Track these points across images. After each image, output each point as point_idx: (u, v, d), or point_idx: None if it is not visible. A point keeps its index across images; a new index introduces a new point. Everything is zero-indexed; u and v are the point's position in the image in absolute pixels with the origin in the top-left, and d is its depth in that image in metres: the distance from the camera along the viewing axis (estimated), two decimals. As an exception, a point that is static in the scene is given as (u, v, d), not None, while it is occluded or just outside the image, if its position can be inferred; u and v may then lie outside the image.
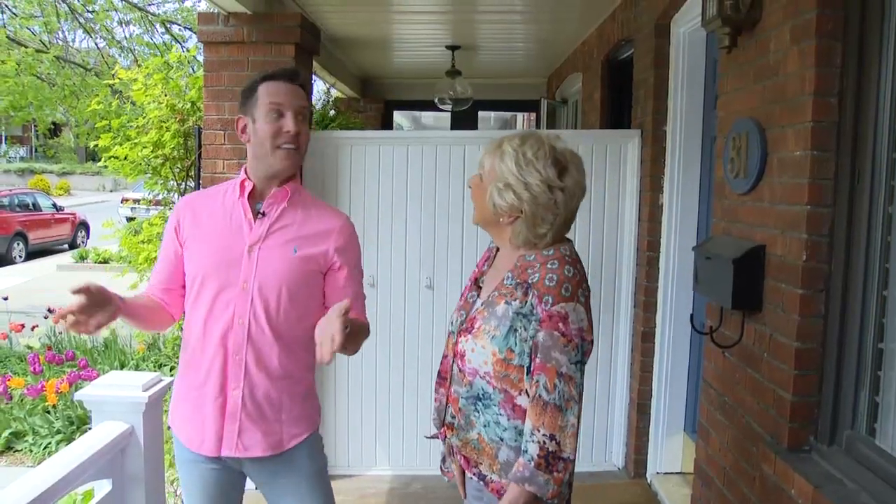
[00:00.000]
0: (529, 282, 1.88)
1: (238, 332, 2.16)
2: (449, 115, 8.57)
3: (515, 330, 1.87)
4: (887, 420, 2.07)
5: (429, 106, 7.86)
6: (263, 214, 2.21)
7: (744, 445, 2.57)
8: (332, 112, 5.43)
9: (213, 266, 2.17)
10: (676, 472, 4.08)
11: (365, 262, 4.11)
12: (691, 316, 2.93)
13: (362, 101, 8.46)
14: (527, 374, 1.87)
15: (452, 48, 6.38)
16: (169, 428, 2.33)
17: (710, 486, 2.89)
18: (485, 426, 1.95)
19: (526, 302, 1.86)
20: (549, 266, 1.88)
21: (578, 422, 1.86)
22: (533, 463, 1.81)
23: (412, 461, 4.39)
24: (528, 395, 1.86)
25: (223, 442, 2.19)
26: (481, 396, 1.94)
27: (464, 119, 8.52)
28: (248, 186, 2.21)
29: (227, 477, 2.31)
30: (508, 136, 1.97)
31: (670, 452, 4.09)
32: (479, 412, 1.95)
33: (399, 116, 10.81)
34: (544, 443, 1.81)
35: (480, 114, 9.66)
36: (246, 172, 2.24)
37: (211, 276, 2.17)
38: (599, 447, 4.37)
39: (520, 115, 12.91)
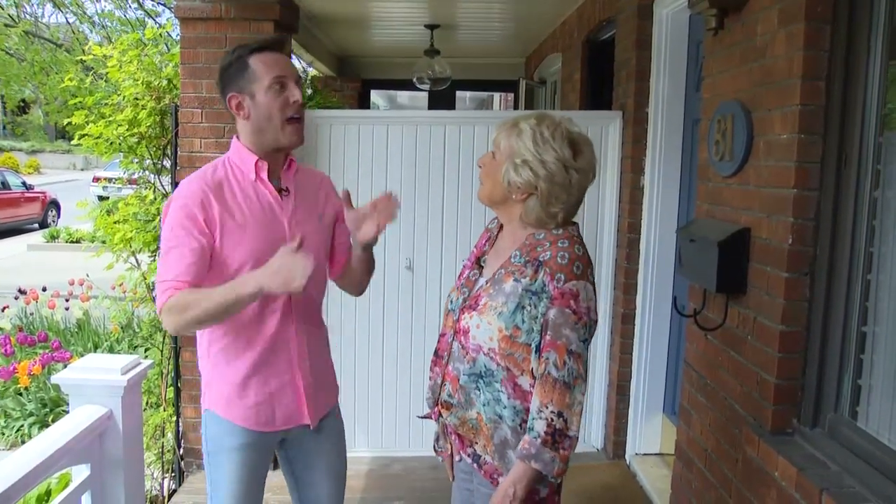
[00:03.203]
0: (540, 259, 1.89)
1: (298, 308, 2.21)
2: (426, 94, 8.52)
3: (523, 307, 1.87)
4: (870, 403, 2.09)
5: (406, 85, 7.79)
6: (287, 191, 2.21)
7: (726, 427, 2.58)
8: (309, 91, 5.35)
9: (263, 251, 2.07)
10: (655, 454, 4.11)
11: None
12: (674, 298, 2.94)
13: (339, 80, 8.36)
14: (535, 351, 1.88)
15: (431, 27, 6.33)
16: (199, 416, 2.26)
17: (690, 467, 2.90)
18: (485, 405, 1.95)
19: (536, 279, 1.87)
20: (559, 244, 1.91)
21: (584, 400, 1.88)
22: (539, 440, 1.82)
23: (391, 443, 4.39)
24: (534, 375, 1.87)
25: (307, 411, 2.25)
26: (483, 374, 1.94)
27: (441, 98, 8.48)
28: (264, 167, 2.16)
29: (266, 458, 2.33)
30: (523, 115, 1.99)
31: (649, 434, 4.12)
32: (479, 390, 1.95)
33: (375, 95, 10.73)
34: (552, 420, 1.81)
35: (456, 93, 9.62)
36: (250, 150, 2.16)
37: (263, 262, 2.06)
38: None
39: (496, 95, 12.86)
